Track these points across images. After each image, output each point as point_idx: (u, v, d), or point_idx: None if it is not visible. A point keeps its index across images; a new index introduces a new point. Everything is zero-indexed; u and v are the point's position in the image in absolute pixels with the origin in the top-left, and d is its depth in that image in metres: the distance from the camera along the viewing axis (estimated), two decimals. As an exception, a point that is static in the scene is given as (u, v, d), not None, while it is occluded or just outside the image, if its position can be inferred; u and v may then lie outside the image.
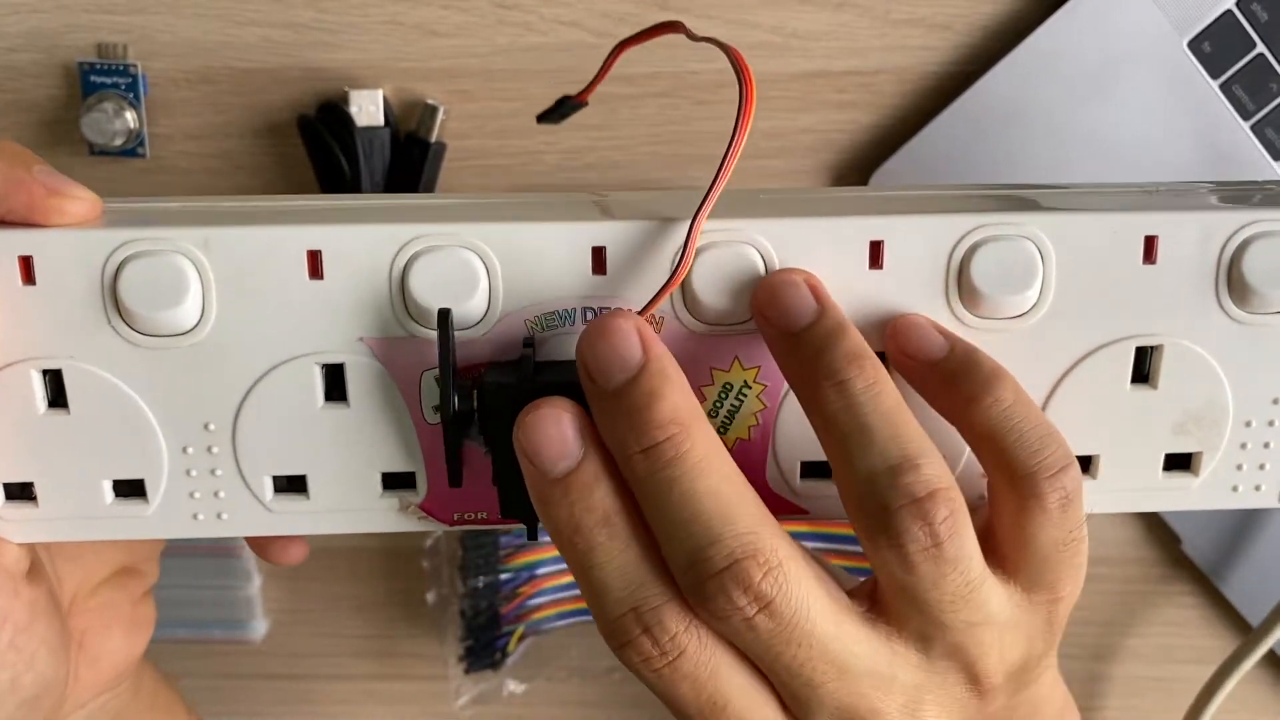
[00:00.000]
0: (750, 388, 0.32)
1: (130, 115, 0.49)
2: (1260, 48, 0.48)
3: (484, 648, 0.55)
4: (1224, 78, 0.48)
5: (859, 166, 0.50)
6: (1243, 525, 0.52)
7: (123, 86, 0.49)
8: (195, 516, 0.33)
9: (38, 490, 0.33)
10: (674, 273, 0.31)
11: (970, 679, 0.30)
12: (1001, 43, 0.49)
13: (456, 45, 0.49)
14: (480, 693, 0.56)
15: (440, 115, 0.49)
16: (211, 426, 0.32)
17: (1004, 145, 0.49)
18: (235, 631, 0.56)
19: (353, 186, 0.49)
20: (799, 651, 0.28)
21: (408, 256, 0.31)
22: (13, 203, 0.31)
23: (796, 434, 0.33)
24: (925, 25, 0.49)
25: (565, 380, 0.30)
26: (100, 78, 0.49)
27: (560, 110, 0.40)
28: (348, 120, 0.48)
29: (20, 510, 0.33)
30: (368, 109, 0.49)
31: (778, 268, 0.31)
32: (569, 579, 0.54)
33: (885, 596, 0.30)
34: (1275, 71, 0.48)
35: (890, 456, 0.28)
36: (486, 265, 0.31)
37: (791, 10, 0.49)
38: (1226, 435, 0.34)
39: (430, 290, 0.31)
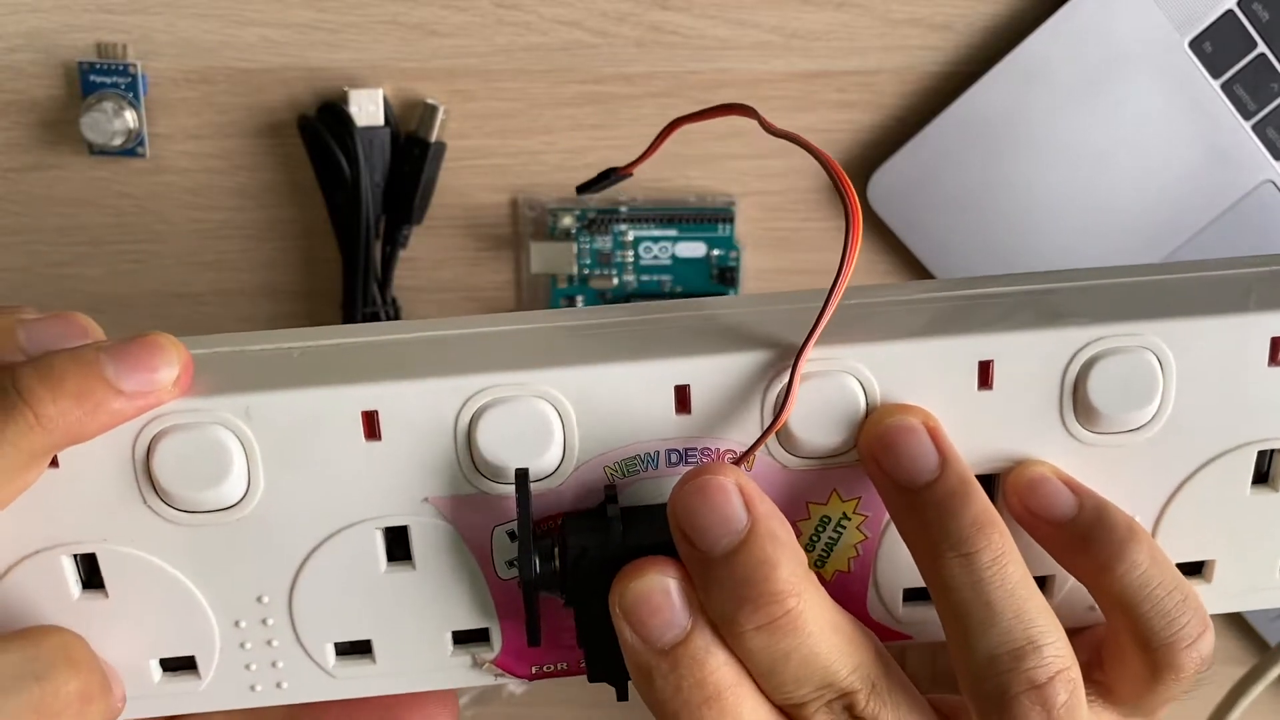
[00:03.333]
0: (849, 519, 0.30)
1: (130, 115, 0.49)
2: (1261, 47, 0.48)
3: (484, 648, 0.55)
4: (1225, 77, 0.48)
5: (859, 166, 0.50)
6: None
7: (122, 86, 0.49)
8: (253, 688, 0.31)
9: None
10: (776, 418, 0.28)
11: None
12: (1002, 43, 0.49)
13: (456, 45, 0.49)
14: (480, 693, 0.56)
15: (440, 115, 0.49)
16: (265, 599, 0.30)
17: (1004, 145, 0.49)
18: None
19: (353, 186, 0.49)
20: None
21: (474, 410, 0.28)
22: (86, 429, 0.27)
23: (898, 562, 0.30)
24: (925, 25, 0.49)
25: (658, 540, 0.28)
26: (100, 77, 0.49)
27: (603, 181, 0.38)
28: (348, 120, 0.48)
29: None
30: (368, 109, 0.49)
31: (879, 398, 0.29)
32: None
33: None
34: (1276, 71, 0.48)
35: (1014, 639, 0.27)
36: (560, 414, 0.28)
37: (792, 10, 0.49)
38: None
39: (501, 446, 0.28)
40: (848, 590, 0.31)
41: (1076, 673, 0.28)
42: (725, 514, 0.27)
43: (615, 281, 0.51)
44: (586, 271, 0.51)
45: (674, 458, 0.29)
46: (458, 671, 0.31)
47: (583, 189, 0.38)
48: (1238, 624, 0.54)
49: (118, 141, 0.49)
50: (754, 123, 0.50)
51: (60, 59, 0.49)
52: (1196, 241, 0.50)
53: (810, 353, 0.28)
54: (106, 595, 0.30)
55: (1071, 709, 0.27)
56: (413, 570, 0.30)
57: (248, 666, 0.31)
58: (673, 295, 0.52)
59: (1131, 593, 0.29)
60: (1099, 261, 0.51)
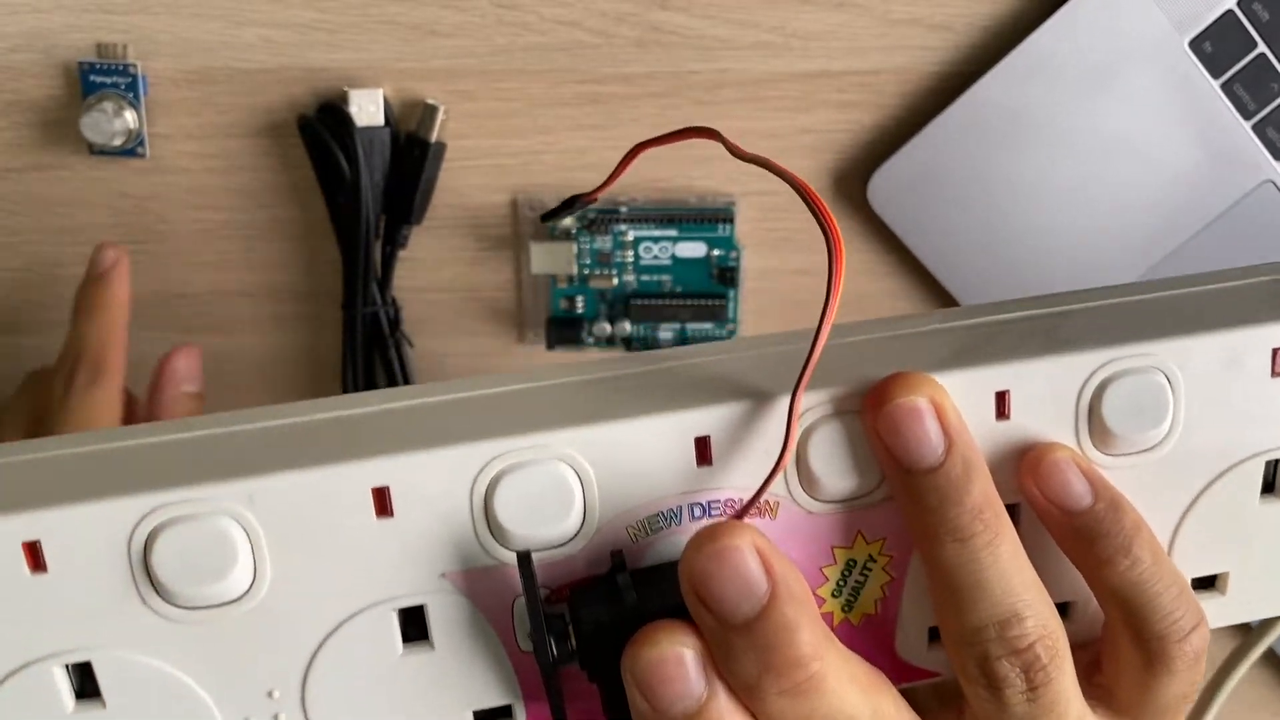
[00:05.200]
0: (875, 560, 0.29)
1: (130, 115, 0.49)
2: (1261, 47, 0.48)
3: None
4: (1225, 77, 0.48)
5: (859, 167, 0.50)
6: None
7: (122, 86, 0.49)
8: None
9: None
10: (776, 463, 0.27)
11: None
12: (1002, 42, 0.49)
13: (456, 45, 0.49)
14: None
15: (440, 115, 0.49)
16: (276, 694, 0.28)
17: (1004, 145, 0.49)
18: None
19: (353, 186, 0.49)
20: None
21: (490, 477, 0.27)
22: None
23: (924, 600, 0.30)
24: (925, 25, 0.49)
25: (673, 601, 0.27)
26: (100, 77, 0.49)
27: (567, 209, 0.37)
28: (347, 120, 0.48)
29: None
30: (367, 109, 0.49)
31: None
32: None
33: None
34: (1276, 71, 0.48)
35: (1000, 611, 0.28)
36: (580, 476, 0.27)
37: (792, 10, 0.49)
38: None
39: (519, 515, 0.27)
40: (876, 633, 0.30)
41: (1061, 641, 0.28)
42: (744, 581, 0.26)
43: (615, 281, 0.52)
44: (586, 271, 0.51)
45: (697, 512, 0.28)
46: None
47: (547, 217, 0.37)
48: (1238, 624, 0.54)
49: (118, 141, 0.49)
50: (755, 122, 0.51)
51: (60, 59, 0.49)
52: (1196, 241, 0.50)
53: (804, 394, 0.27)
54: (104, 705, 0.27)
55: (1050, 673, 0.28)
56: (431, 650, 0.28)
57: None
58: (673, 295, 0.52)
59: (1131, 587, 0.29)
60: (1099, 261, 0.51)
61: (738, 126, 0.50)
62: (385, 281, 0.51)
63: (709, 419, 0.28)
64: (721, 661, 0.26)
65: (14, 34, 0.49)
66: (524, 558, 0.27)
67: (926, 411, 0.28)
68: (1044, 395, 0.29)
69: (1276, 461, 0.31)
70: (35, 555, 0.26)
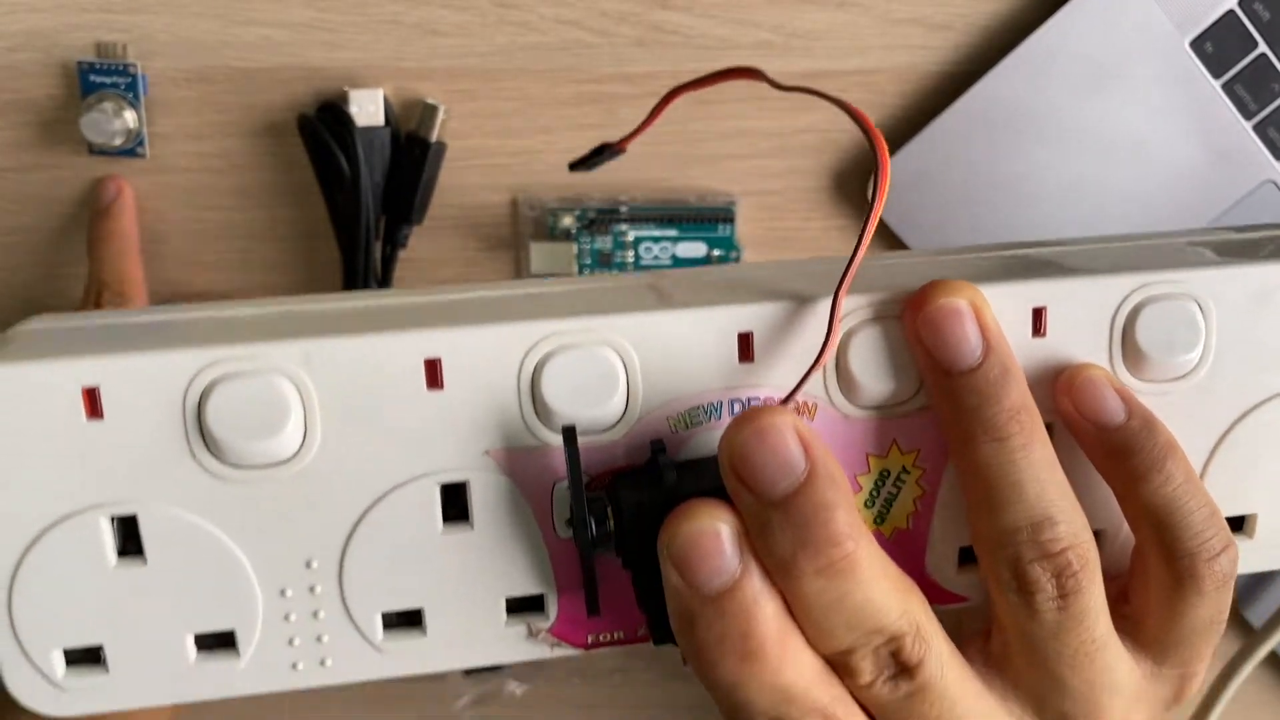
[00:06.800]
0: (909, 472, 0.30)
1: (130, 115, 0.49)
2: (1262, 47, 0.48)
3: (484, 648, 0.55)
4: (1226, 77, 0.48)
5: (859, 166, 0.50)
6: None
7: (122, 86, 0.49)
8: (295, 666, 0.29)
9: (107, 655, 0.28)
10: (818, 357, 0.28)
11: None
12: (1003, 42, 0.49)
13: (456, 44, 0.49)
14: (481, 694, 0.56)
15: (440, 115, 0.49)
16: (314, 564, 0.28)
17: (1005, 145, 0.49)
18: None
19: (352, 186, 0.49)
20: (929, 709, 0.28)
21: (538, 357, 0.28)
22: None
23: (955, 519, 0.30)
24: (926, 25, 0.49)
25: (711, 487, 0.27)
26: (99, 77, 0.49)
27: (596, 158, 0.37)
28: (347, 120, 0.48)
29: (86, 678, 0.28)
30: (367, 108, 0.49)
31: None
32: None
33: (1006, 649, 0.29)
34: (1277, 71, 0.48)
35: (1033, 514, 0.28)
36: (625, 362, 0.28)
37: (792, 9, 0.49)
38: None
39: (565, 395, 0.28)
40: (907, 548, 0.31)
41: (1092, 551, 0.28)
42: (783, 457, 0.26)
43: (615, 281, 0.51)
44: (587, 271, 0.51)
45: (737, 408, 0.29)
46: (514, 644, 0.30)
47: (575, 165, 0.37)
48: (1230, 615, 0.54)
49: (117, 141, 0.49)
50: (755, 122, 0.50)
51: (60, 59, 0.49)
52: (1197, 241, 0.50)
53: (849, 287, 0.28)
54: (145, 563, 0.28)
55: (1081, 581, 0.28)
56: (470, 530, 0.29)
57: (290, 641, 0.29)
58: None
59: (1163, 504, 0.29)
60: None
61: (738, 125, 0.50)
62: (385, 281, 0.51)
63: (753, 315, 0.28)
64: (757, 538, 0.27)
65: (13, 34, 0.49)
66: (569, 431, 0.28)
67: (966, 313, 0.28)
68: (1080, 315, 0.30)
69: None
70: (94, 401, 0.27)
